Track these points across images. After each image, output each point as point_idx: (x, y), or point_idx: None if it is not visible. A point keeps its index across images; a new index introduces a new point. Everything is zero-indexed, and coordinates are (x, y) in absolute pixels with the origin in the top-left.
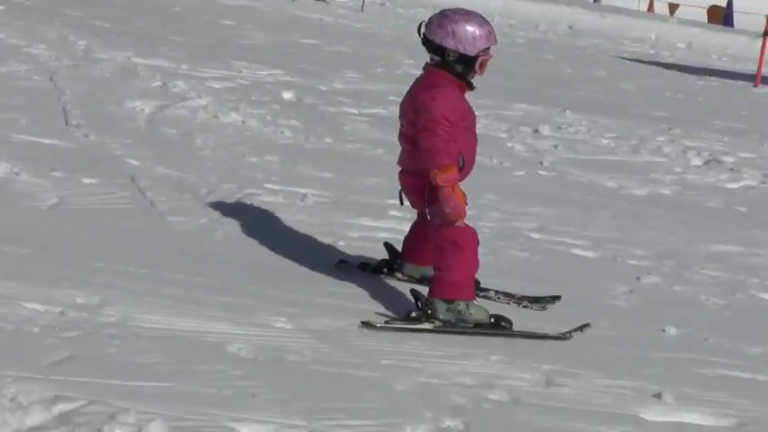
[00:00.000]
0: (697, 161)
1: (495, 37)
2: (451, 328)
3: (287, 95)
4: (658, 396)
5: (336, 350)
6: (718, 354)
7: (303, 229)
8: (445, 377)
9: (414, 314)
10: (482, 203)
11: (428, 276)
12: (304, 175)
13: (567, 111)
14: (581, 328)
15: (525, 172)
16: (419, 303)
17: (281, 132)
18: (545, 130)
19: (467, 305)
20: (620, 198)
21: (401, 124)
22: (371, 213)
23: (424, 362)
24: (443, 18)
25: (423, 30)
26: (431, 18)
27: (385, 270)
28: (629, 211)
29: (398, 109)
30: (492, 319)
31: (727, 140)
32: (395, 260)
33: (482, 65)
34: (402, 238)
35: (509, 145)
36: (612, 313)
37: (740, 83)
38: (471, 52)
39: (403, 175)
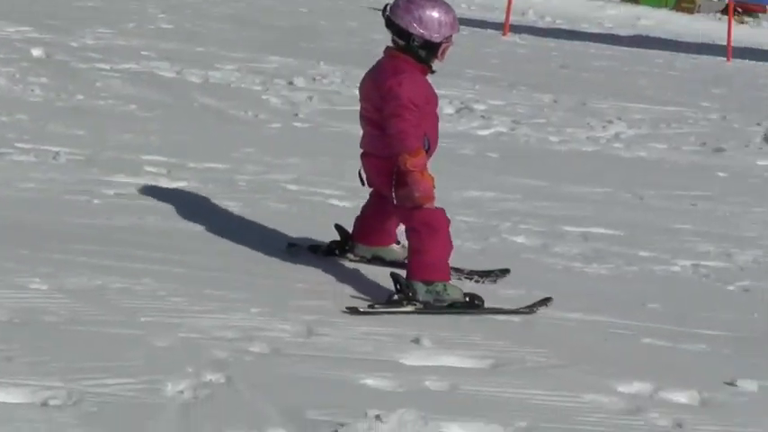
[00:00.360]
0: (449, 109)
1: (458, 25)
2: (430, 309)
3: (36, 52)
4: (417, 341)
5: (94, 309)
6: None
7: (56, 188)
8: (205, 331)
9: (396, 297)
10: (238, 156)
11: (380, 256)
12: (56, 132)
13: (321, 62)
14: (545, 301)
15: (281, 124)
16: (399, 286)
17: (31, 90)
18: (299, 82)
19: (444, 286)
20: None
21: (364, 108)
22: (126, 170)
23: (184, 317)
24: (410, 3)
25: (387, 12)
26: (396, 1)
27: (336, 251)
28: None
29: (358, 91)
30: (467, 299)
31: (478, 88)
32: (346, 241)
33: (444, 51)
34: (157, 193)
35: (264, 98)
36: (372, 261)
37: (489, 32)
38: (436, 39)
39: (366, 157)
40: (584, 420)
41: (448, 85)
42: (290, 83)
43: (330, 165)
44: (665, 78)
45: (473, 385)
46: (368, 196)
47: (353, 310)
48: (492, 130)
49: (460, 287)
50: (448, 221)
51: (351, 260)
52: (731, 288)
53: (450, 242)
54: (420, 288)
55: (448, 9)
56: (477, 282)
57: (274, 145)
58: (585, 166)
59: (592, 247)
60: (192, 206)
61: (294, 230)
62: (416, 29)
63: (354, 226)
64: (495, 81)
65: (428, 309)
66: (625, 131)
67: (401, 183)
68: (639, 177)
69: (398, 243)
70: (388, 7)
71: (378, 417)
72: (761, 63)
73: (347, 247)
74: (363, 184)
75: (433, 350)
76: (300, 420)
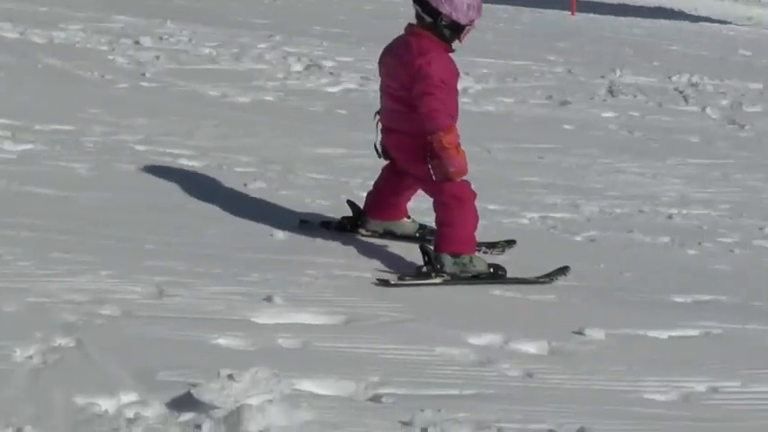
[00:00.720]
0: (298, 67)
1: (482, 10)
2: (457, 280)
3: None
4: (269, 299)
5: None
6: (325, 254)
7: None
8: (54, 295)
9: (424, 269)
10: (85, 117)
11: (391, 230)
12: None
13: (168, 21)
14: (563, 270)
15: (128, 84)
16: (427, 258)
17: None
18: (146, 41)
19: (471, 258)
20: (223, 106)
21: (387, 85)
22: None
23: (32, 281)
24: None
25: None
26: None
27: (348, 227)
28: (232, 118)
29: (378, 66)
30: (491, 269)
31: (326, 45)
32: (358, 217)
33: (466, 34)
34: (2, 156)
35: (110, 57)
36: (223, 220)
37: None
38: (463, 21)
39: (387, 132)
40: (436, 373)
41: (295, 43)
42: (137, 42)
43: (178, 124)
44: (511, 33)
45: (326, 342)
46: (380, 170)
47: (384, 283)
48: (341, 87)
49: (484, 258)
50: (474, 194)
51: (363, 235)
52: (578, 239)
53: (477, 215)
54: (448, 260)
55: None
56: (485, 253)
57: (121, 105)
58: None
59: None
60: (38, 168)
61: (143, 191)
62: (446, 8)
63: (366, 200)
64: (344, 37)
65: (455, 280)
66: (473, 86)
67: (433, 157)
68: (487, 131)
69: (409, 217)
70: None
71: (230, 376)
72: (604, 16)
73: (359, 222)
74: (380, 156)
75: (285, 308)
76: (152, 382)
